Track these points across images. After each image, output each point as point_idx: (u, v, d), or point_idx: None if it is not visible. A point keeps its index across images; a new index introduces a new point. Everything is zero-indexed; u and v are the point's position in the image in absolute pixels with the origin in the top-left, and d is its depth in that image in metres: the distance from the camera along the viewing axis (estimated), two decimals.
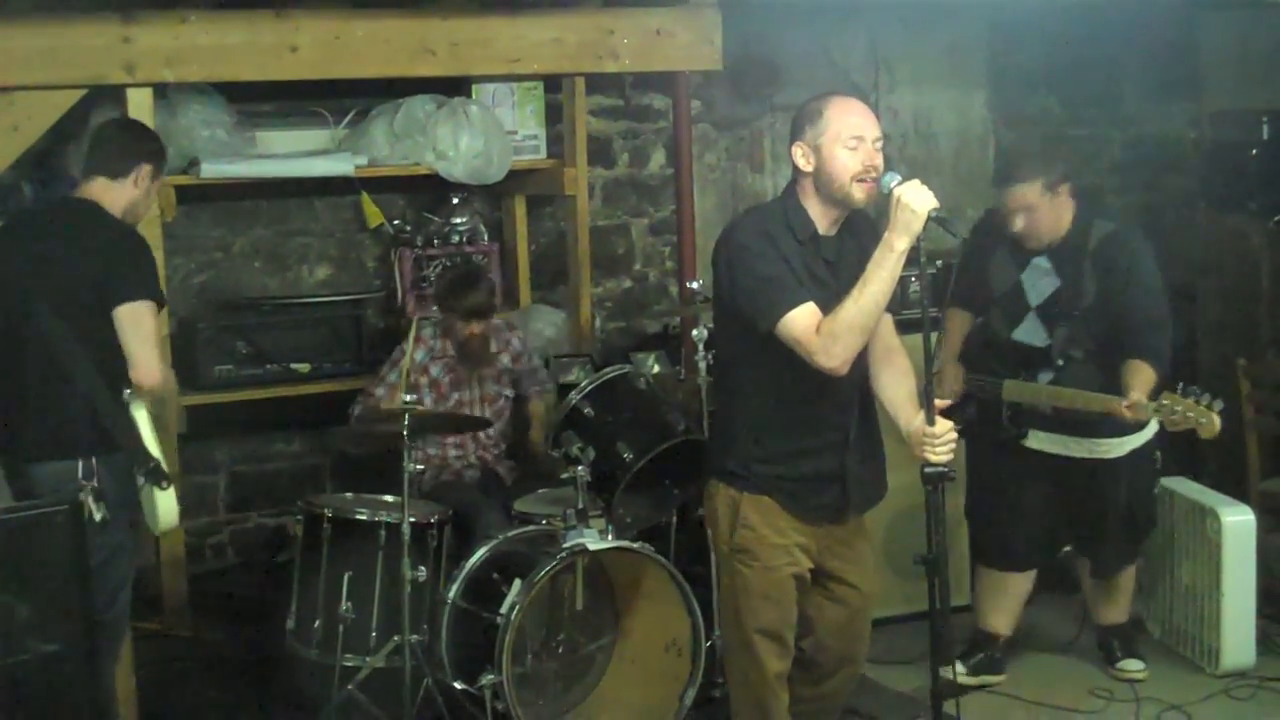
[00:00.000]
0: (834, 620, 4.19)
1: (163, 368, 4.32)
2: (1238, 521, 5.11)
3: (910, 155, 7.31)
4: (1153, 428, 4.90)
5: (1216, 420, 4.47)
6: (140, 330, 4.23)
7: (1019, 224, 4.80)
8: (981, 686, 5.12)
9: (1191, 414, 4.48)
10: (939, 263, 5.46)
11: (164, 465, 4.17)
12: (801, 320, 3.80)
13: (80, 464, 4.20)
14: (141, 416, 4.22)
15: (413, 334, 5.26)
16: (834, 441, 4.03)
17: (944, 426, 3.79)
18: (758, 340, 3.90)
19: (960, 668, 5.08)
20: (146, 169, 4.46)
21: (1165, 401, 4.53)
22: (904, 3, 6.90)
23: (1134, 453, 4.95)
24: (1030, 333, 4.92)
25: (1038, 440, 4.96)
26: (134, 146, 4.49)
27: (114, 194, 4.40)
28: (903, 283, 4.08)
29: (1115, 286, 4.78)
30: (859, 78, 7.07)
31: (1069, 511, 5.10)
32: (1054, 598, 5.61)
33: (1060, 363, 4.88)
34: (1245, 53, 7.07)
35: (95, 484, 4.15)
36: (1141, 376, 4.65)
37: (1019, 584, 5.18)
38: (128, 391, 4.19)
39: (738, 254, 3.93)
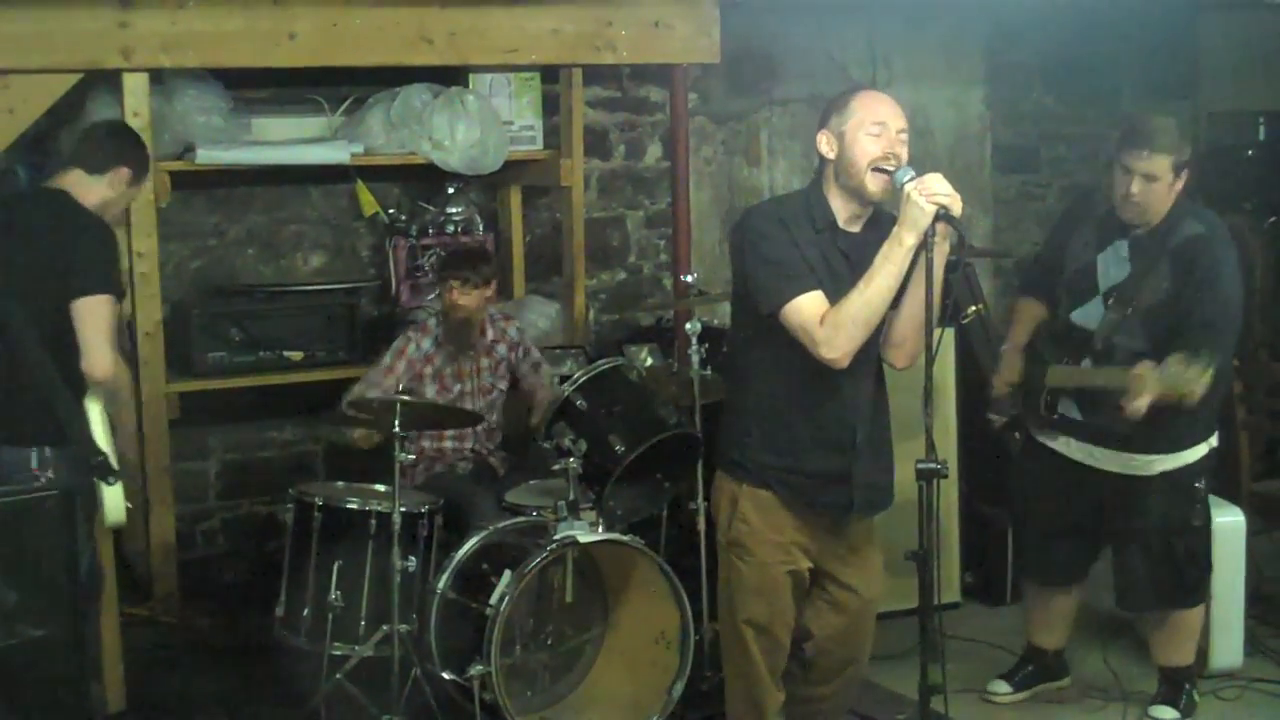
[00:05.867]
0: (833, 624, 4.17)
1: (115, 361, 4.30)
2: (1228, 523, 5.09)
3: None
4: (1194, 452, 4.69)
5: (1200, 380, 4.30)
6: (95, 323, 4.23)
7: (1135, 188, 4.52)
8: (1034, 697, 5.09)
9: (1179, 372, 4.28)
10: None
11: (112, 460, 4.11)
12: (808, 308, 3.78)
13: (34, 453, 4.22)
14: (94, 410, 4.22)
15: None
16: (841, 441, 3.98)
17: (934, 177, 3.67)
18: (768, 327, 3.87)
19: (1005, 687, 5.07)
20: (125, 172, 4.46)
21: (1171, 367, 4.31)
22: None
23: (1167, 475, 4.68)
24: (1089, 315, 4.68)
25: (1066, 447, 4.77)
26: (118, 149, 4.49)
27: (86, 188, 4.39)
28: None
29: (1189, 288, 4.52)
30: (857, 72, 7.04)
31: (1103, 529, 4.87)
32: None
33: (1099, 347, 4.62)
34: (1243, 54, 7.07)
35: (50, 474, 4.17)
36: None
37: (1063, 601, 5.04)
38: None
39: (751, 237, 3.92)
